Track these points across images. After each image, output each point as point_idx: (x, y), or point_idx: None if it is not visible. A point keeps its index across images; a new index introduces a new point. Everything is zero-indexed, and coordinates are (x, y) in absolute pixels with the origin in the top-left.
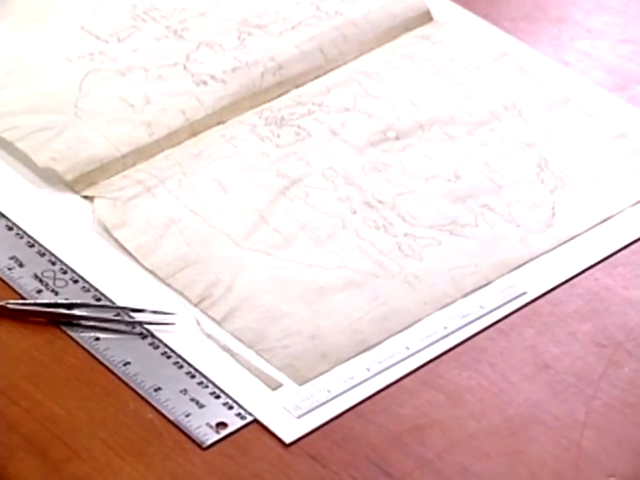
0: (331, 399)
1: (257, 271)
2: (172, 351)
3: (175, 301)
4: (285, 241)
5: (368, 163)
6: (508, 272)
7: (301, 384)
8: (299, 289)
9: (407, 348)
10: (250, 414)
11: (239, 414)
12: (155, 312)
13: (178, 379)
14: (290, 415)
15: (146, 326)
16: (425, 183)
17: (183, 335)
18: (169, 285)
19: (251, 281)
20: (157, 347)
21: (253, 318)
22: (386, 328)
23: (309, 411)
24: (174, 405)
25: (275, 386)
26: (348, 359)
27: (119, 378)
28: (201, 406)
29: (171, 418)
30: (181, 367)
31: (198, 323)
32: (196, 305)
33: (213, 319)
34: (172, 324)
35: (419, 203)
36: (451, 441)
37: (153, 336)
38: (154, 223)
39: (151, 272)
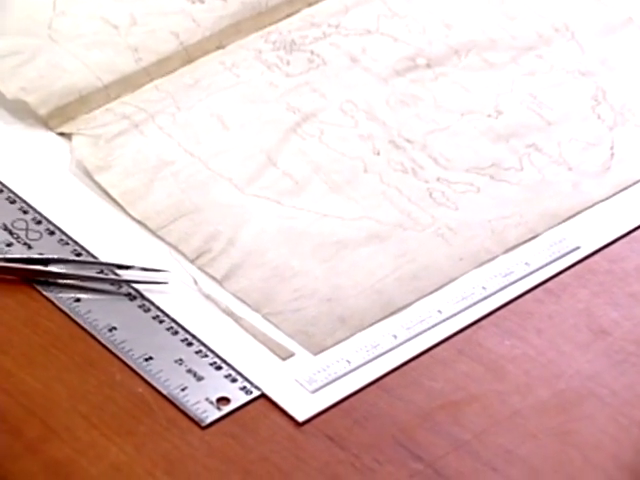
0: (351, 371)
1: (264, 222)
2: (165, 315)
3: (168, 257)
4: (296, 187)
5: (394, 95)
6: (558, 223)
7: (316, 353)
8: (313, 243)
9: (439, 312)
10: (257, 388)
11: (244, 388)
12: (145, 269)
13: (172, 347)
14: (303, 389)
15: (134, 285)
16: (461, 119)
17: (178, 296)
18: (161, 238)
19: (257, 233)
20: (148, 310)
21: (259, 277)
22: (415, 288)
23: (325, 385)
24: (168, 377)
25: (286, 356)
26: (371, 324)
27: (103, 346)
28: (199, 378)
29: (164, 392)
30: (176, 333)
31: (195, 282)
32: (193, 261)
33: (213, 277)
34: (165, 283)
35: (454, 142)
36: (492, 419)
37: (143, 297)
38: (143, 165)
39: (140, 223)
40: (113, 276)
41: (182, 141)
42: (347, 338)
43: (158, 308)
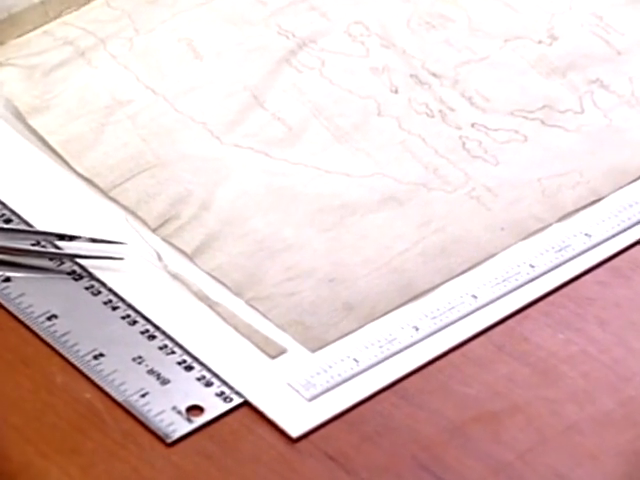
0: (359, 373)
1: (247, 180)
2: (120, 299)
3: (124, 225)
4: (290, 134)
5: (417, 15)
6: (628, 183)
7: (314, 350)
8: (311, 207)
9: (474, 297)
10: (238, 394)
11: (221, 394)
12: (94, 241)
13: (130, 341)
14: (298, 396)
15: (80, 262)
16: (504, 46)
17: (137, 276)
18: (115, 200)
19: (238, 195)
20: (97, 293)
21: (241, 251)
22: (443, 267)
23: (326, 390)
24: (124, 380)
25: (276, 353)
26: (386, 313)
27: (41, 339)
28: (164, 382)
29: (119, 399)
30: (134, 323)
31: (159, 258)
32: (156, 230)
33: (182, 251)
34: (120, 259)
35: (494, 77)
36: (540, 435)
37: (92, 277)
38: (91, 106)
39: (87, 181)
40: (53, 249)
41: (142, 74)
42: (355, 330)
43: (111, 291)
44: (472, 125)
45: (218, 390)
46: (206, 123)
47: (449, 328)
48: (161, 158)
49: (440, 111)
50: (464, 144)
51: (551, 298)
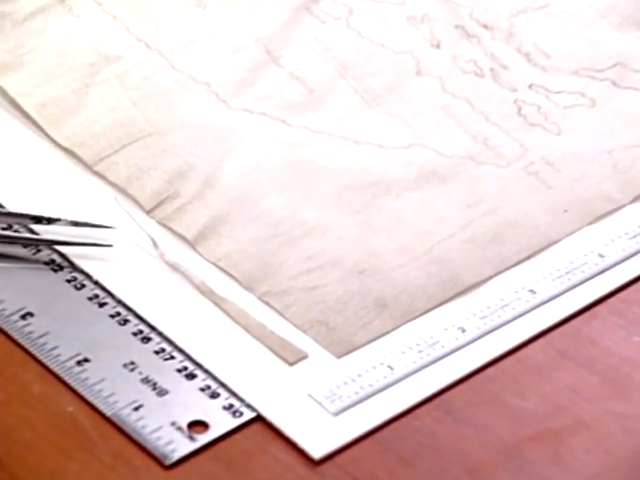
0: (395, 382)
1: (260, 151)
2: (108, 294)
3: (113, 205)
4: (311, 97)
5: None
6: None
7: (340, 355)
8: (337, 185)
9: (532, 293)
10: (250, 407)
11: (230, 407)
12: (77, 224)
13: (120, 344)
14: (321, 410)
15: (61, 249)
16: None
17: (127, 266)
18: (101, 176)
19: (249, 169)
20: (81, 287)
21: (253, 236)
22: (495, 256)
23: (355, 403)
24: (113, 390)
25: (294, 359)
26: (426, 311)
27: (14, 342)
28: (162, 392)
29: (108, 413)
30: (125, 322)
31: (155, 245)
32: (150, 212)
33: (182, 237)
34: (108, 246)
35: (557, 28)
36: (610, 457)
37: (74, 267)
38: (72, 62)
39: (68, 152)
40: (27, 234)
41: (133, 25)
42: (389, 332)
43: (97, 284)
44: (529, 86)
45: (226, 403)
46: (210, 84)
47: (502, 329)
48: (156, 125)
49: (491, 70)
50: (520, 109)
51: (623, 294)
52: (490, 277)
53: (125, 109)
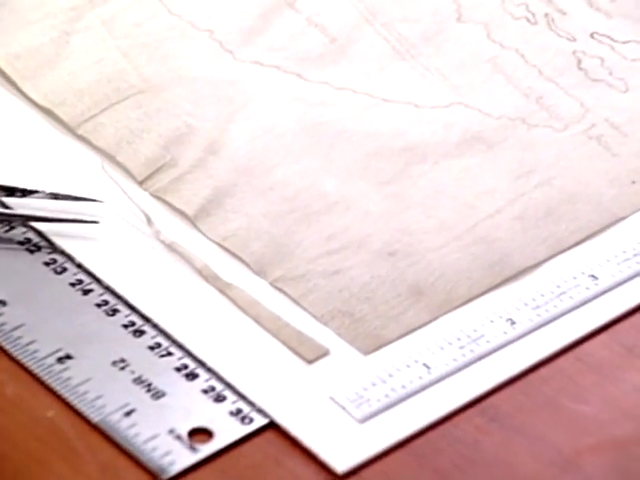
0: (432, 384)
1: (272, 112)
2: (95, 280)
3: (99, 175)
4: (333, 47)
5: None
6: None
7: (368, 352)
8: (363, 151)
9: (594, 278)
10: (261, 413)
11: (238, 413)
12: (56, 197)
13: (108, 338)
14: (346, 416)
15: (38, 226)
16: None
17: (116, 247)
18: (85, 140)
19: (259, 133)
20: (62, 271)
21: (264, 211)
22: (550, 236)
23: (385, 408)
24: (100, 392)
25: (314, 356)
26: (468, 300)
27: None
28: (158, 395)
29: (95, 419)
30: (114, 313)
31: (149, 222)
32: (143, 183)
33: (180, 213)
34: (93, 223)
35: None
36: None
37: (54, 248)
38: (49, 6)
39: (46, 112)
40: (0, 208)
41: None
42: (425, 324)
43: (81, 267)
44: (591, 35)
45: (233, 407)
46: (213, 31)
47: (558, 321)
48: (150, 80)
49: (546, 15)
50: (579, 62)
51: None
52: (544, 260)
53: (113, 61)
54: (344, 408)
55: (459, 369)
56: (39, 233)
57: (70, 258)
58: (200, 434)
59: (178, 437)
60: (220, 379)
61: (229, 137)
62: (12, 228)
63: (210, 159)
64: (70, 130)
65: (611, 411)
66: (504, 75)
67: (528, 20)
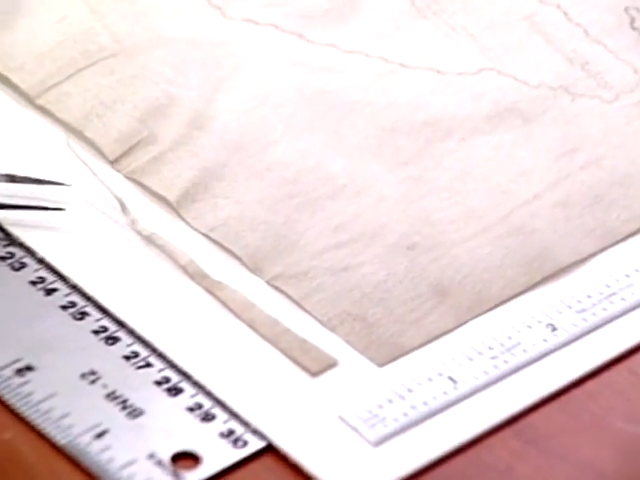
0: (459, 400)
1: (268, 78)
2: (59, 277)
3: (64, 153)
4: (339, 2)
5: None
6: None
7: (384, 363)
8: (376, 126)
9: None
10: (257, 434)
11: (230, 434)
12: (14, 180)
13: (76, 346)
14: (357, 438)
15: None
16: None
17: (85, 239)
18: (46, 111)
19: (253, 104)
20: (20, 267)
21: (260, 197)
22: (598, 226)
23: (403, 429)
24: (68, 410)
25: (319, 367)
26: (502, 302)
27: None
28: (135, 413)
29: (61, 442)
30: (82, 317)
31: (123, 209)
32: (116, 163)
33: (161, 198)
34: (59, 210)
35: None
36: None
37: (10, 239)
38: None
39: (3, 82)
40: None
41: None
42: (450, 330)
43: (43, 263)
44: None
45: (224, 428)
46: None
47: (607, 327)
48: (123, 42)
49: None
50: (633, 21)
51: None
52: (591, 255)
53: (80, 19)
54: (355, 429)
55: (491, 383)
56: None
57: (30, 252)
58: (185, 459)
59: (159, 463)
60: (208, 394)
61: (217, 109)
62: None
63: (195, 134)
64: (29, 100)
65: None
66: (543, 36)
67: None
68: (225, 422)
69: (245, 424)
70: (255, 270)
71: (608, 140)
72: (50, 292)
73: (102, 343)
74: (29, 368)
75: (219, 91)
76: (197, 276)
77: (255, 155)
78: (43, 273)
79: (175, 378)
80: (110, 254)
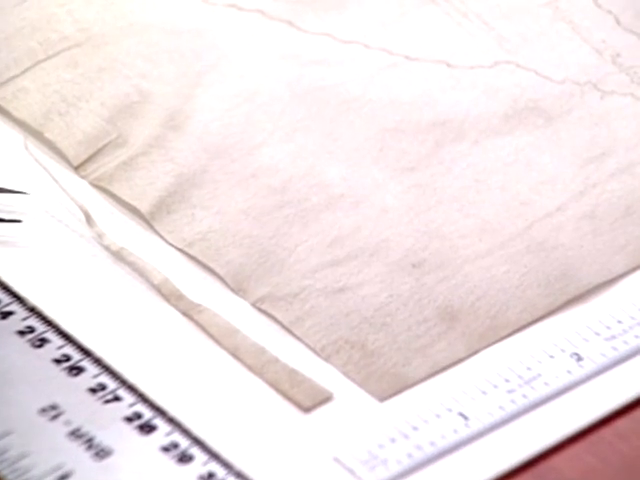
0: (470, 440)
1: (254, 72)
2: (16, 299)
3: (21, 157)
4: None
5: None
6: None
7: (385, 397)
8: (378, 126)
9: None
10: (242, 478)
11: (210, 478)
12: None
13: (36, 378)
14: None
15: None
16: None
17: (45, 254)
18: (3, 110)
19: (237, 101)
20: None
21: (244, 207)
22: (628, 242)
23: (407, 473)
24: (26, 450)
25: (312, 402)
26: (520, 328)
27: None
28: (102, 453)
29: None
30: (42, 344)
31: (88, 220)
32: (80, 169)
33: (131, 208)
34: (15, 222)
35: None
36: None
37: None
38: None
39: None
40: None
41: None
42: (461, 360)
43: None
44: None
45: (203, 470)
46: None
47: (639, 357)
48: (90, 30)
49: None
50: None
51: None
52: (622, 275)
53: (40, 3)
54: (353, 472)
55: (507, 420)
56: None
57: None
58: None
59: None
60: (185, 432)
61: (196, 107)
62: None
63: (170, 136)
64: None
65: None
66: (568, 24)
67: None
68: (204, 464)
69: (227, 466)
70: (239, 291)
71: (637, 145)
72: (5, 315)
73: (64, 374)
74: None
75: (198, 86)
76: (172, 297)
77: (239, 160)
78: None
79: (148, 414)
80: (73, 272)
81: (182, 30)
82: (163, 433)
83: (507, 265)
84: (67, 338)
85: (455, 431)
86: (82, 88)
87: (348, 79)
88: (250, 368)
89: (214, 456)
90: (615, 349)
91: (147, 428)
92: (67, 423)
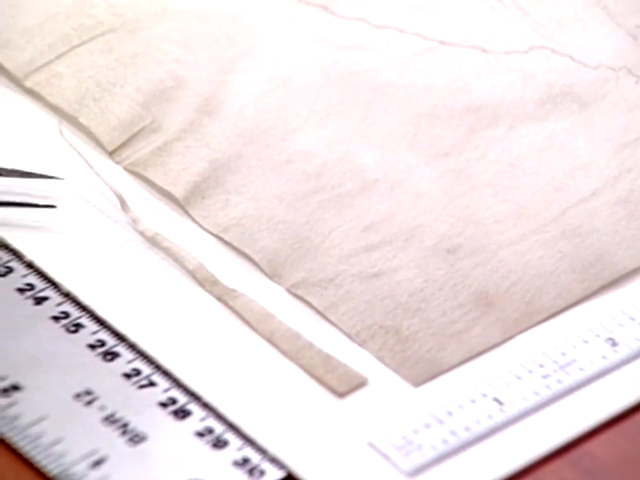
0: (505, 425)
1: (288, 57)
2: (51, 284)
3: (56, 142)
4: None
5: None
6: None
7: (420, 383)
8: (412, 111)
9: None
10: (276, 463)
11: (245, 463)
12: (0, 173)
13: (70, 363)
14: (389, 468)
15: None
16: None
17: (80, 240)
18: (36, 95)
19: (272, 86)
20: (7, 273)
21: (279, 192)
22: None
23: (442, 458)
24: (60, 435)
25: (346, 387)
26: (555, 314)
27: None
28: (137, 439)
29: (52, 472)
30: (77, 329)
31: (123, 206)
32: (115, 154)
33: (166, 193)
34: (50, 207)
35: None
36: None
37: None
38: None
39: None
40: None
41: None
42: (497, 345)
43: (32, 267)
44: None
45: (238, 456)
46: None
47: None
48: (124, 15)
49: None
50: None
51: None
52: None
53: None
54: (387, 457)
55: (542, 405)
56: None
57: (17, 255)
58: None
59: None
60: (220, 418)
61: (230, 92)
62: None
63: (205, 121)
64: (16, 82)
65: None
66: (603, 9)
67: None
68: (239, 449)
69: (262, 451)
70: (273, 276)
71: None
72: (40, 301)
73: (99, 359)
74: (16, 387)
75: (232, 71)
76: (207, 283)
77: (273, 145)
78: (32, 279)
79: (182, 399)
80: (108, 257)
81: (216, 15)
82: (198, 418)
83: (542, 250)
84: (102, 323)
85: (490, 416)
86: (116, 73)
87: (383, 64)
88: (285, 353)
89: (249, 441)
90: (624, 341)
91: (182, 413)
92: (102, 408)
